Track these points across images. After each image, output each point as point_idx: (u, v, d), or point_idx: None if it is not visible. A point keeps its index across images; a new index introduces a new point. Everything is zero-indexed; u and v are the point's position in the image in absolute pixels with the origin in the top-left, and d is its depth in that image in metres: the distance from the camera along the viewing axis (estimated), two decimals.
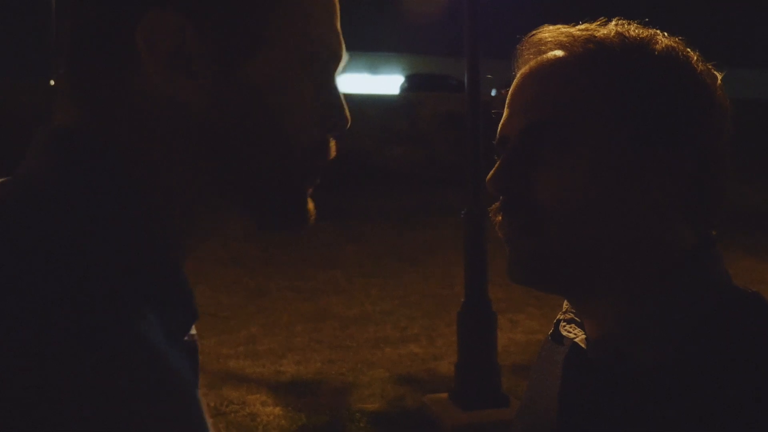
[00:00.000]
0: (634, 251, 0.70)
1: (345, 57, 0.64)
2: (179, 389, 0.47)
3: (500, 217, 0.73)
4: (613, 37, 0.72)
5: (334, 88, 0.63)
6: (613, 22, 0.75)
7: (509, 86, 0.77)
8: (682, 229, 0.71)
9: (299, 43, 0.59)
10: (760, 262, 10.05)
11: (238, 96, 0.57)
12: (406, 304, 8.26)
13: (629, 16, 0.76)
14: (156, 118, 0.56)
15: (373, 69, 34.44)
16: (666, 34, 0.73)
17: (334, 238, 11.40)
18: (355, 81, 32.40)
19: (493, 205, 0.74)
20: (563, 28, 0.75)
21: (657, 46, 0.71)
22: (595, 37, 0.72)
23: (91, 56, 0.56)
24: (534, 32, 0.76)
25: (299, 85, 0.59)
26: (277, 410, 5.09)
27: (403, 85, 25.83)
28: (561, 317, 0.80)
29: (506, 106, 0.76)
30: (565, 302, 0.80)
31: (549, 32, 0.75)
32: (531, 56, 0.76)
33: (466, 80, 5.06)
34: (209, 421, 0.53)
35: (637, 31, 0.73)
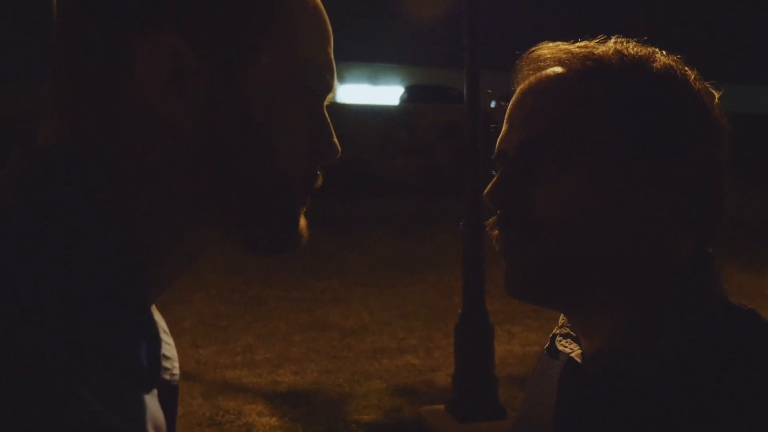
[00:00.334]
0: (632, 266, 0.70)
1: (335, 87, 0.64)
2: None
3: (497, 231, 0.73)
4: (612, 54, 0.73)
5: (324, 117, 0.63)
6: (612, 40, 0.75)
7: (509, 98, 0.78)
8: (680, 244, 0.71)
9: (291, 70, 0.58)
10: (758, 276, 10.04)
11: (229, 120, 0.56)
12: (404, 315, 8.24)
13: (629, 34, 0.76)
14: (146, 140, 0.55)
15: (374, 80, 34.51)
16: (665, 52, 0.74)
17: (334, 248, 11.39)
18: (356, 91, 32.46)
19: (490, 219, 0.74)
20: (562, 45, 0.75)
21: (655, 64, 0.72)
22: (594, 54, 0.73)
23: (82, 74, 0.55)
24: (533, 48, 0.77)
25: (290, 111, 0.59)
26: (273, 420, 5.07)
27: (403, 95, 25.87)
28: (557, 331, 0.80)
29: (505, 120, 0.77)
30: (561, 316, 0.81)
31: (548, 49, 0.76)
32: (530, 72, 0.76)
33: (465, 91, 5.07)
34: None
35: (635, 49, 0.73)
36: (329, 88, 0.63)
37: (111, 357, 0.48)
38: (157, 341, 0.55)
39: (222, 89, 0.56)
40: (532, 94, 0.74)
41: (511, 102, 0.77)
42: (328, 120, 0.63)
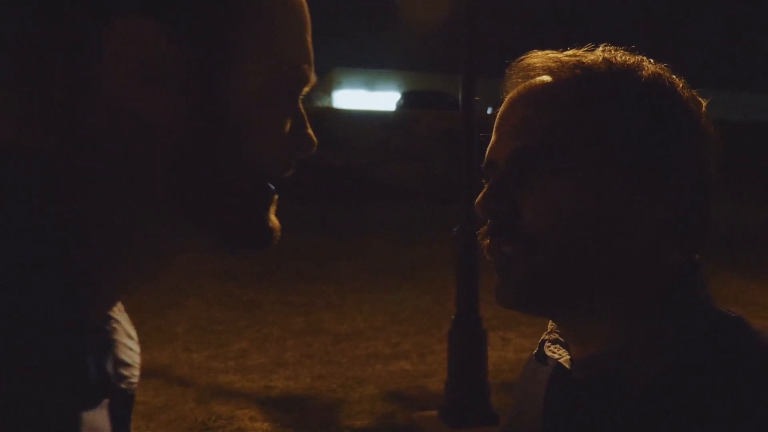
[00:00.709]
0: (622, 274, 0.70)
1: (313, 79, 0.61)
2: None
3: (488, 241, 0.73)
4: (601, 63, 0.73)
5: (300, 110, 0.61)
6: (600, 48, 0.76)
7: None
8: (669, 252, 0.72)
9: (271, 63, 0.56)
10: (753, 282, 10.07)
11: (208, 115, 0.53)
12: (398, 320, 8.23)
13: (626, 42, 0.77)
14: (114, 135, 0.51)
15: (370, 85, 34.55)
16: (652, 60, 0.74)
17: (328, 253, 11.38)
18: (353, 97, 32.50)
19: (482, 229, 0.74)
20: (551, 54, 0.76)
21: (643, 72, 0.72)
22: (583, 62, 0.73)
23: (41, 63, 0.50)
24: (522, 57, 0.77)
25: (270, 105, 0.56)
26: (266, 426, 5.05)
27: (399, 101, 25.90)
28: (546, 337, 0.81)
29: (494, 129, 0.77)
30: (550, 322, 0.81)
31: (537, 57, 0.76)
32: (519, 80, 0.76)
33: (460, 98, 5.08)
34: None
35: (623, 57, 0.74)
36: (307, 80, 0.60)
37: (42, 374, 0.45)
38: (105, 352, 0.53)
39: (202, 81, 0.53)
40: (521, 104, 0.74)
41: (500, 111, 0.77)
42: (303, 112, 0.61)
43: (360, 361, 6.71)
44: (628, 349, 0.69)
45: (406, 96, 26.20)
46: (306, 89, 0.61)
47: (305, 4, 0.60)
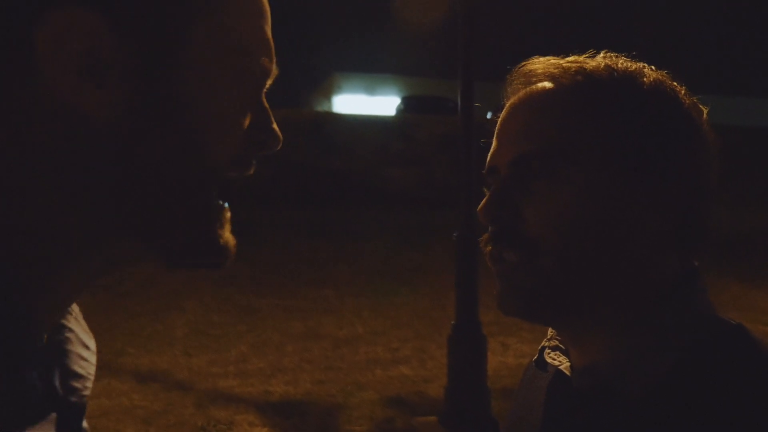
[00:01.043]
0: (623, 281, 0.70)
1: (275, 72, 0.58)
2: None
3: (490, 248, 0.73)
4: (602, 69, 0.73)
5: (262, 104, 0.57)
6: (601, 55, 0.76)
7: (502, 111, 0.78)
8: (669, 259, 0.72)
9: (224, 54, 0.52)
10: (753, 288, 10.06)
11: (154, 111, 0.49)
12: (397, 325, 8.22)
13: (625, 47, 0.77)
14: (50, 132, 0.48)
15: (370, 90, 34.59)
16: (653, 67, 0.75)
17: (328, 258, 11.38)
18: (352, 102, 32.53)
19: (483, 236, 0.74)
20: (553, 60, 0.76)
21: (645, 79, 0.72)
22: (585, 69, 0.73)
23: None
24: (524, 63, 0.77)
25: (222, 100, 0.52)
26: (265, 431, 5.05)
27: (399, 106, 25.93)
28: (546, 344, 0.81)
29: (495, 135, 0.77)
30: (550, 329, 0.80)
31: (539, 63, 0.76)
32: (520, 86, 0.76)
33: (459, 103, 5.09)
34: None
35: (625, 64, 0.74)
36: (267, 72, 0.56)
37: None
38: (51, 365, 0.50)
39: (147, 78, 0.49)
40: (522, 110, 0.74)
41: (501, 117, 0.77)
42: (267, 107, 0.57)
43: (359, 366, 6.70)
44: (627, 356, 0.69)
45: (406, 101, 26.23)
46: (269, 82, 0.58)
47: None
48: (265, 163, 0.59)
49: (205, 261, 0.55)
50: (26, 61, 0.47)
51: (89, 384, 0.58)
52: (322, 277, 10.51)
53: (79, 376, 0.57)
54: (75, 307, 0.60)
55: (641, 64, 0.74)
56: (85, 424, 0.57)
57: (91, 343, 0.61)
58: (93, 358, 0.61)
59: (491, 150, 0.77)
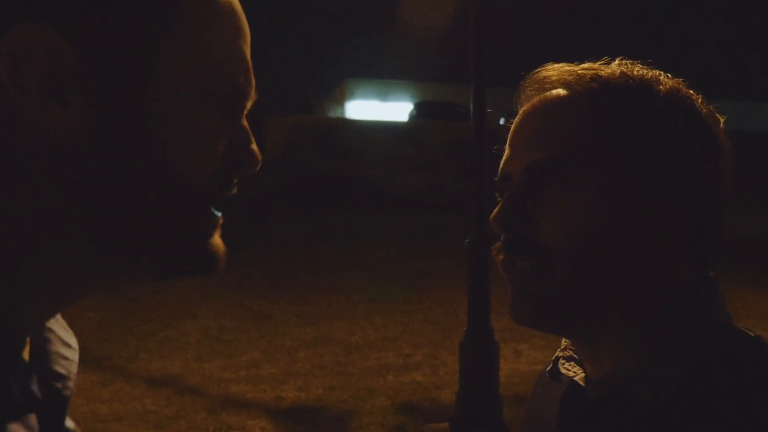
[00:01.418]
0: (635, 288, 0.70)
1: (253, 94, 0.57)
2: None
3: (503, 256, 0.73)
4: (618, 76, 0.72)
5: (241, 124, 0.56)
6: (617, 62, 0.75)
7: (515, 116, 0.77)
8: (682, 266, 0.71)
9: (197, 73, 0.51)
10: (766, 294, 9.97)
11: (121, 128, 0.49)
12: (409, 331, 8.21)
13: (634, 55, 0.76)
14: (15, 153, 0.47)
15: (383, 96, 34.67)
16: (669, 75, 0.74)
17: (340, 264, 11.39)
18: (365, 108, 32.62)
19: (496, 244, 0.74)
20: (567, 67, 0.75)
21: (661, 86, 0.72)
22: (600, 76, 0.73)
23: None
24: (538, 69, 0.76)
25: (196, 121, 0.51)
26: None
27: (412, 112, 25.96)
28: (560, 354, 0.80)
29: (508, 143, 0.76)
30: (564, 339, 0.80)
31: (553, 70, 0.75)
32: (534, 93, 0.76)
33: (471, 109, 5.08)
34: None
35: (641, 71, 0.73)
36: (244, 93, 0.55)
37: None
38: (29, 372, 0.50)
39: (114, 91, 0.48)
40: (536, 117, 0.74)
41: (514, 124, 0.77)
42: (247, 127, 0.56)
43: (371, 372, 6.69)
44: (640, 363, 0.68)
45: (418, 106, 26.27)
46: (248, 104, 0.57)
47: (241, 14, 0.55)
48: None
49: (193, 270, 0.55)
50: None
51: (71, 384, 0.58)
52: (334, 282, 10.53)
53: (61, 377, 0.57)
54: None
55: (657, 72, 0.74)
56: (70, 423, 0.57)
57: (73, 341, 0.61)
58: (75, 356, 0.61)
59: (504, 157, 0.76)
